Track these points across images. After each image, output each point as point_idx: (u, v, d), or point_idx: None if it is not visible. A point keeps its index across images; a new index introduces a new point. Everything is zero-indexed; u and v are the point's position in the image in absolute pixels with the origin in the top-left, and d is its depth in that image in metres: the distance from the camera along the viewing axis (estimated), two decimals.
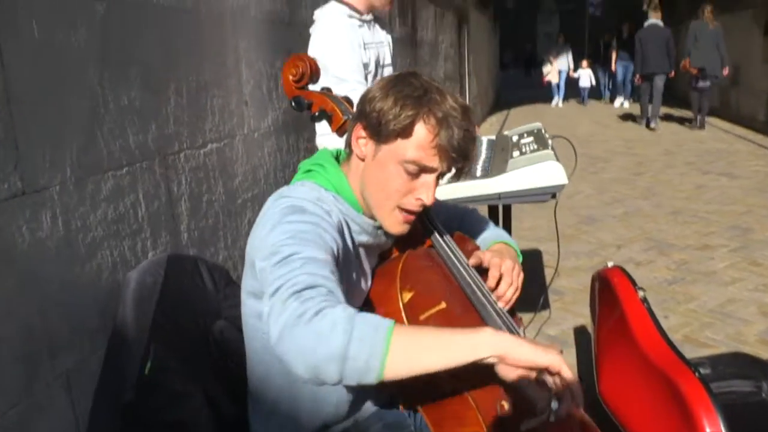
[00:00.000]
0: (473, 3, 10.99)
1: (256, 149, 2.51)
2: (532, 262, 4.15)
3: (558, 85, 15.18)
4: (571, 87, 15.64)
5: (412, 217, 1.26)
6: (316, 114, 1.43)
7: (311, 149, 3.12)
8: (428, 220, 1.38)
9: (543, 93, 16.21)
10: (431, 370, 0.97)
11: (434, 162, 1.19)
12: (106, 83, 1.63)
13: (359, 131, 1.24)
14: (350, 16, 2.30)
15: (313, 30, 2.41)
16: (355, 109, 1.32)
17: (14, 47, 1.34)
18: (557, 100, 15.32)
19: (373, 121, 1.20)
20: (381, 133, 1.20)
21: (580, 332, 3.15)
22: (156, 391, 1.20)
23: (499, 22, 17.37)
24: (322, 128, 2.25)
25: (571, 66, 15.13)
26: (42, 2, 1.42)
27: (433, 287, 1.29)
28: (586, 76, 14.79)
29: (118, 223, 1.67)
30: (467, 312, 1.34)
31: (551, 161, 1.92)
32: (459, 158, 1.20)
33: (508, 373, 1.00)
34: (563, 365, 1.01)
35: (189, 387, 1.27)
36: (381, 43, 2.45)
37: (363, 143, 1.24)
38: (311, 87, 1.47)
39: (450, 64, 8.21)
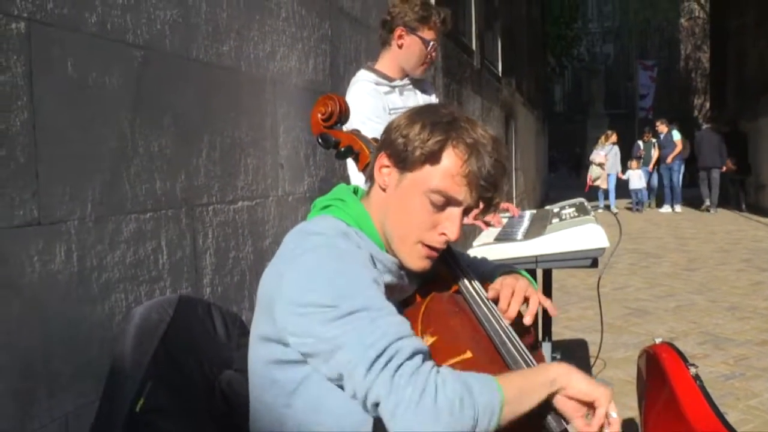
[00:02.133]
0: (521, 101, 11.19)
1: (289, 213, 2.48)
2: (577, 352, 3.93)
3: (607, 191, 13.15)
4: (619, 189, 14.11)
5: (434, 254, 1.17)
6: (343, 150, 1.39)
7: None
8: (454, 263, 1.29)
9: (592, 194, 16.12)
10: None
11: (461, 193, 1.11)
12: (137, 127, 1.64)
13: (382, 160, 1.18)
14: (377, 83, 2.32)
15: (346, 97, 2.44)
16: (379, 142, 1.28)
17: (47, 79, 1.37)
18: (603, 207, 13.49)
19: (399, 147, 1.14)
20: (407, 160, 1.13)
21: (627, 425, 2.89)
22: (144, 430, 1.10)
23: (547, 123, 17.55)
24: (354, 169, 2.23)
25: (619, 168, 13.25)
26: (80, 42, 1.46)
27: (458, 335, 1.18)
28: (636, 177, 12.93)
29: (136, 268, 1.63)
30: (495, 364, 1.21)
31: (591, 224, 1.82)
32: (489, 188, 1.12)
33: (563, 404, 1.05)
34: (611, 401, 1.05)
35: (180, 431, 1.16)
36: (418, 105, 2.45)
37: (386, 172, 1.17)
38: (339, 127, 1.44)
39: None
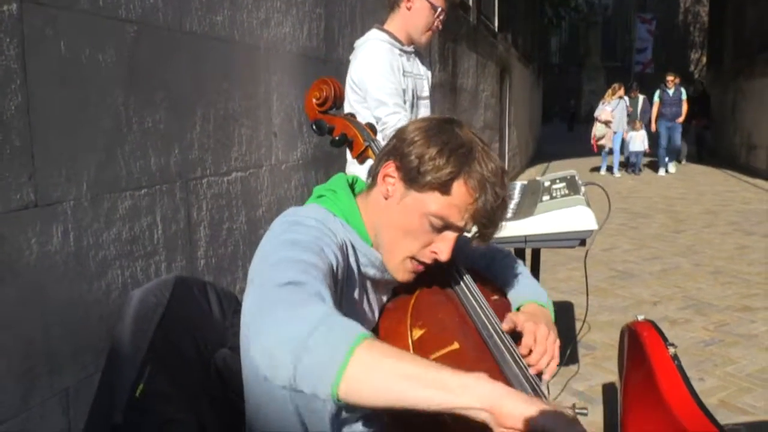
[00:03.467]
0: (516, 56, 11.06)
1: (282, 181, 2.49)
2: (563, 314, 4.01)
3: (611, 150, 11.96)
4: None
5: (421, 268, 1.20)
6: (337, 138, 1.41)
7: None
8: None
9: (586, 148, 16.06)
10: (402, 403, 0.83)
11: (462, 222, 1.13)
12: (131, 104, 1.63)
13: (389, 169, 1.17)
14: (391, 44, 2.32)
15: (353, 57, 2.44)
16: (383, 142, 1.28)
17: (39, 62, 1.36)
18: (605, 169, 12.11)
19: (410, 165, 1.13)
20: (416, 180, 1.13)
21: (609, 389, 3.00)
22: (145, 415, 1.15)
23: (542, 77, 17.35)
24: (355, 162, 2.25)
25: (626, 126, 11.79)
26: (72, 20, 1.44)
27: (447, 327, 1.22)
28: (638, 139, 11.69)
29: (132, 244, 1.66)
30: (482, 355, 1.25)
31: (581, 206, 1.85)
32: (488, 224, 1.15)
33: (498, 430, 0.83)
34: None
35: (181, 414, 1.21)
36: (420, 75, 2.46)
37: (391, 182, 1.17)
38: (333, 112, 1.45)
39: (490, 113, 8.21)
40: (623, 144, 11.88)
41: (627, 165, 12.19)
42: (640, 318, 2.08)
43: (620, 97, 11.57)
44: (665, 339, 1.90)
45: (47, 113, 1.38)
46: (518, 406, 0.82)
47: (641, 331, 1.98)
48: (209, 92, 1.99)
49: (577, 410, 1.22)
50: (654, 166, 12.55)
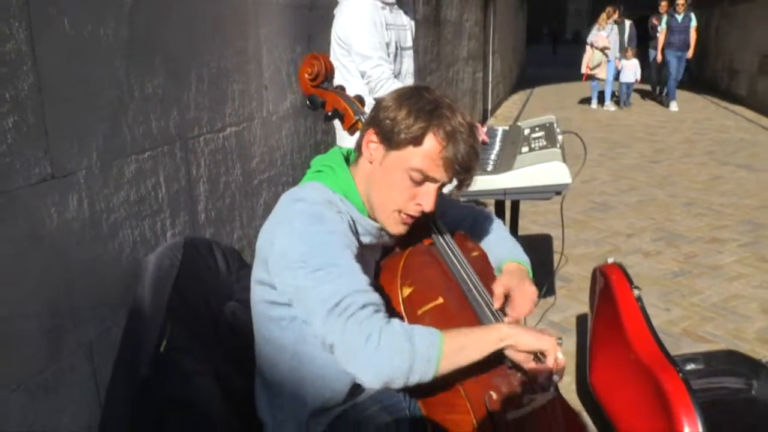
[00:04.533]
0: None
1: (273, 132, 2.59)
2: (542, 246, 4.22)
3: (604, 82, 11.12)
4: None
5: (410, 221, 1.35)
6: (330, 114, 1.51)
7: (327, 130, 3.20)
8: (431, 219, 1.46)
9: (570, 72, 15.99)
10: (469, 362, 1.22)
11: (438, 173, 1.28)
12: (132, 72, 1.71)
13: (371, 136, 1.32)
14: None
15: (337, 11, 2.50)
16: (368, 113, 1.40)
17: (46, 40, 1.43)
18: (597, 102, 11.37)
19: (386, 128, 1.28)
20: (392, 140, 1.28)
21: (582, 320, 3.23)
22: (169, 368, 1.31)
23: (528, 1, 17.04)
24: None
25: (618, 54, 10.96)
26: None
27: (432, 283, 1.38)
28: (631, 69, 10.94)
29: (139, 204, 1.77)
30: (463, 308, 1.43)
31: (557, 161, 1.98)
32: (462, 171, 1.29)
33: (514, 355, 1.25)
34: (557, 349, 1.26)
35: (200, 366, 1.37)
36: (403, 26, 2.54)
37: (374, 147, 1.33)
38: (325, 86, 1.55)
39: (474, 43, 8.18)
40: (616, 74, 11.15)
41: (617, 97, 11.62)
42: (610, 261, 2.26)
43: (615, 22, 10.79)
44: (631, 281, 2.08)
45: (56, 90, 1.46)
46: (528, 338, 1.25)
47: (610, 273, 2.16)
48: (203, 52, 2.06)
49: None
50: (646, 95, 12.33)
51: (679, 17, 10.50)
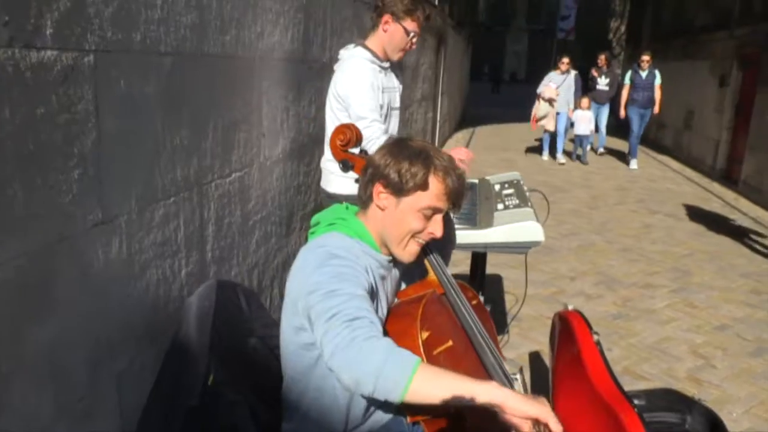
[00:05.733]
0: (451, 24, 11.38)
1: (267, 175, 2.78)
2: (496, 288, 4.51)
3: (555, 134, 10.46)
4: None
5: (418, 248, 1.62)
6: (350, 165, 1.76)
7: (308, 172, 3.41)
8: (444, 275, 1.71)
9: (510, 114, 16.69)
10: (444, 402, 1.27)
11: (443, 204, 1.58)
12: (165, 127, 1.89)
13: (379, 188, 1.58)
14: (372, 62, 2.64)
15: (338, 67, 2.74)
16: (365, 174, 1.63)
17: (107, 99, 1.61)
18: (548, 155, 10.72)
19: (394, 181, 1.55)
20: (403, 189, 1.55)
21: (534, 357, 3.52)
22: (217, 399, 1.48)
23: (472, 41, 17.73)
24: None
25: (572, 105, 10.39)
26: (129, 59, 1.69)
27: (444, 329, 1.61)
28: (584, 122, 10.29)
29: (163, 246, 1.94)
30: (468, 351, 1.67)
31: (531, 221, 2.27)
32: (459, 197, 1.59)
33: (511, 419, 1.26)
34: (551, 417, 1.26)
35: (238, 396, 1.55)
36: (394, 88, 2.80)
37: (383, 197, 1.58)
38: (353, 152, 1.78)
39: (427, 85, 8.57)
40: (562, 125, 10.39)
41: (572, 151, 10.97)
42: (570, 308, 2.54)
43: (566, 71, 10.20)
44: (590, 327, 2.37)
45: (109, 145, 1.63)
46: (517, 403, 1.27)
47: (571, 319, 2.44)
48: (219, 105, 2.25)
49: (511, 374, 1.68)
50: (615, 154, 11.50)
51: (644, 74, 10.05)
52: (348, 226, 1.62)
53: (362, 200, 1.64)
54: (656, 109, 10.08)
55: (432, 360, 1.51)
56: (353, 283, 1.43)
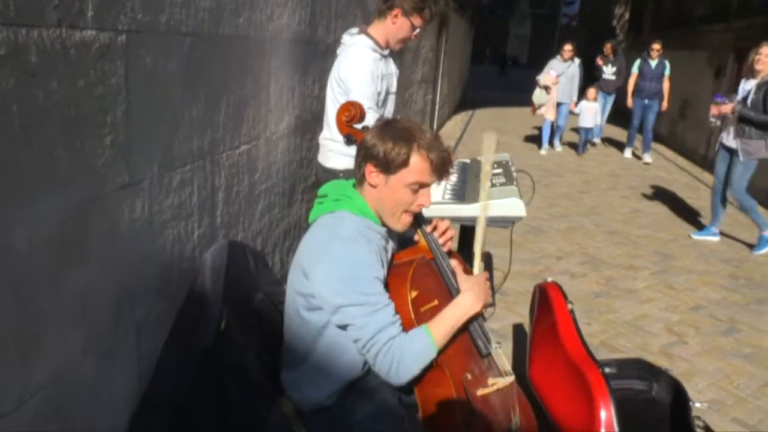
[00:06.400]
0: (454, 7, 11.49)
1: (272, 149, 2.98)
2: (485, 265, 4.72)
3: (554, 125, 9.95)
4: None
5: (411, 218, 1.83)
6: (354, 140, 1.95)
7: (309, 147, 3.60)
8: (433, 241, 1.91)
9: (511, 98, 16.80)
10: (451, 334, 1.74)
11: (428, 178, 1.78)
12: (184, 101, 2.08)
13: (371, 168, 1.78)
14: (374, 50, 2.82)
15: (340, 52, 2.93)
16: (358, 154, 1.84)
17: (135, 75, 1.79)
18: (548, 146, 10.03)
19: (381, 160, 1.74)
20: (390, 167, 1.75)
21: (517, 328, 3.75)
22: (227, 342, 1.69)
23: (475, 24, 17.79)
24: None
25: (574, 98, 9.89)
26: (155, 39, 1.87)
27: (431, 289, 1.83)
28: (590, 113, 9.76)
29: (179, 208, 2.14)
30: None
31: (515, 198, 2.47)
32: (443, 170, 1.79)
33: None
34: (485, 292, 1.84)
35: (246, 341, 1.76)
36: (391, 74, 2.98)
37: (375, 176, 1.78)
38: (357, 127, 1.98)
39: (427, 67, 8.72)
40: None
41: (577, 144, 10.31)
42: (549, 279, 2.76)
43: (570, 58, 9.62)
44: (566, 297, 2.59)
45: (136, 115, 1.83)
46: (476, 301, 1.78)
47: (549, 290, 2.66)
48: (232, 83, 2.43)
49: (495, 344, 1.91)
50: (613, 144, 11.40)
51: (653, 63, 9.63)
52: (353, 204, 1.82)
53: (357, 178, 1.85)
54: (665, 104, 9.73)
55: (419, 316, 1.73)
56: (371, 281, 1.69)
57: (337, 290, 1.66)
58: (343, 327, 1.69)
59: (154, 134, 1.94)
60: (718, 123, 5.34)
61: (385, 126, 1.80)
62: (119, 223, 1.80)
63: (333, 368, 1.77)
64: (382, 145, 1.73)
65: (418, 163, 1.74)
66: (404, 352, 1.65)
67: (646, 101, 9.70)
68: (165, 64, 1.95)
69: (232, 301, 1.79)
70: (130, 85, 1.77)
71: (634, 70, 9.90)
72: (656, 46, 9.60)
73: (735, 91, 5.48)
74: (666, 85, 9.67)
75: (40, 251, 1.49)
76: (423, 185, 1.77)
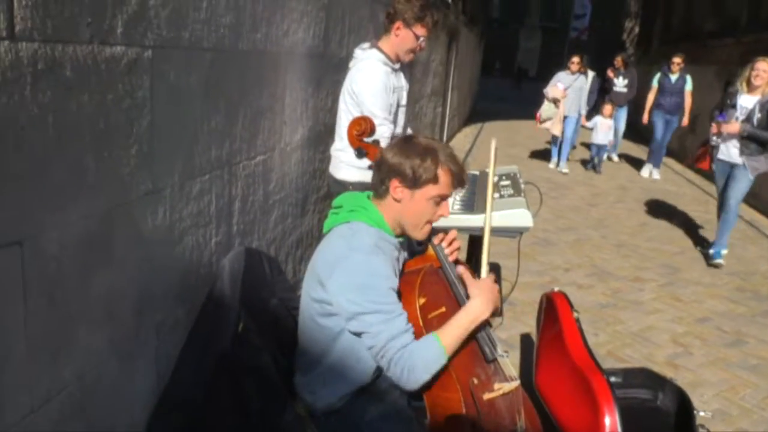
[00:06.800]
0: (464, 21, 11.61)
1: (286, 160, 3.06)
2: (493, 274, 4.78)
3: (562, 141, 9.46)
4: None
5: (430, 227, 1.92)
6: (365, 152, 2.03)
7: (322, 159, 3.68)
8: (441, 252, 1.99)
9: (521, 111, 16.86)
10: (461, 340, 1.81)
11: (449, 190, 1.88)
12: (204, 113, 2.17)
13: (396, 184, 1.84)
14: (386, 63, 2.91)
15: (353, 66, 3.02)
16: (380, 170, 1.92)
17: (159, 89, 1.88)
18: (557, 161, 9.67)
19: (409, 176, 1.81)
20: (417, 183, 1.82)
21: (525, 338, 3.80)
22: (245, 344, 1.76)
23: (485, 37, 17.89)
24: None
25: (583, 112, 9.49)
26: (178, 54, 1.96)
27: (439, 297, 1.89)
28: (605, 129, 9.29)
29: (197, 216, 2.22)
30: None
31: (522, 209, 2.54)
32: (462, 183, 1.90)
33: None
34: (493, 295, 1.91)
35: (262, 343, 1.84)
36: (401, 87, 3.07)
37: (399, 191, 1.85)
38: (367, 140, 2.06)
39: (437, 80, 8.82)
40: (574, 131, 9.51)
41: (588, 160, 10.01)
42: (556, 289, 2.82)
43: (579, 72, 9.16)
44: (572, 306, 2.64)
45: (160, 126, 1.91)
46: (485, 307, 1.85)
47: (555, 299, 2.72)
48: (249, 95, 2.52)
49: (502, 352, 1.97)
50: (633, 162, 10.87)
51: (673, 77, 9.20)
52: (368, 216, 1.90)
53: (378, 192, 1.92)
54: (685, 120, 9.29)
55: (427, 322, 1.80)
56: (386, 291, 1.77)
57: (354, 299, 1.73)
58: (358, 334, 1.76)
59: (176, 144, 2.02)
60: (720, 141, 5.37)
61: (405, 143, 1.89)
62: (142, 229, 1.89)
63: (346, 372, 1.84)
64: (409, 162, 1.82)
65: (443, 177, 1.84)
66: (416, 361, 1.71)
67: (668, 116, 9.30)
68: (187, 78, 2.03)
69: (249, 305, 1.87)
70: (154, 97, 1.86)
71: (654, 84, 9.49)
72: (677, 59, 9.18)
73: (724, 103, 5.51)
74: (688, 101, 9.24)
75: (70, 255, 1.57)
76: (444, 197, 1.88)
